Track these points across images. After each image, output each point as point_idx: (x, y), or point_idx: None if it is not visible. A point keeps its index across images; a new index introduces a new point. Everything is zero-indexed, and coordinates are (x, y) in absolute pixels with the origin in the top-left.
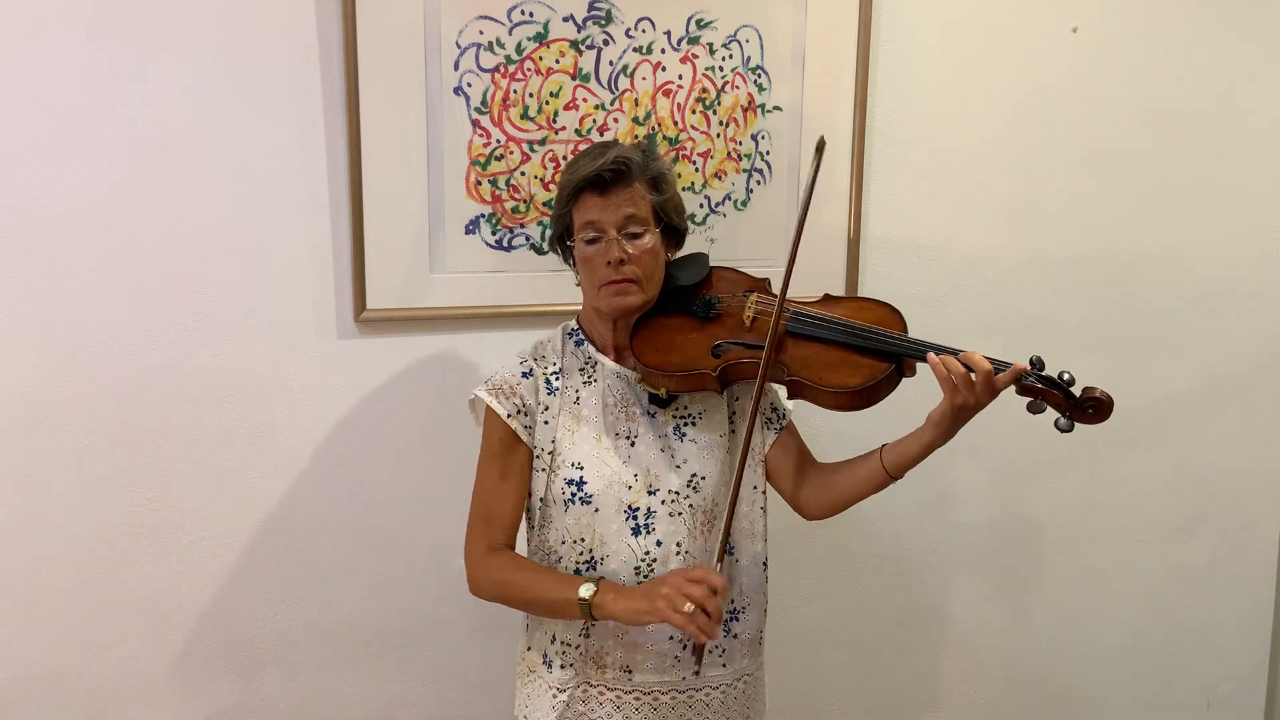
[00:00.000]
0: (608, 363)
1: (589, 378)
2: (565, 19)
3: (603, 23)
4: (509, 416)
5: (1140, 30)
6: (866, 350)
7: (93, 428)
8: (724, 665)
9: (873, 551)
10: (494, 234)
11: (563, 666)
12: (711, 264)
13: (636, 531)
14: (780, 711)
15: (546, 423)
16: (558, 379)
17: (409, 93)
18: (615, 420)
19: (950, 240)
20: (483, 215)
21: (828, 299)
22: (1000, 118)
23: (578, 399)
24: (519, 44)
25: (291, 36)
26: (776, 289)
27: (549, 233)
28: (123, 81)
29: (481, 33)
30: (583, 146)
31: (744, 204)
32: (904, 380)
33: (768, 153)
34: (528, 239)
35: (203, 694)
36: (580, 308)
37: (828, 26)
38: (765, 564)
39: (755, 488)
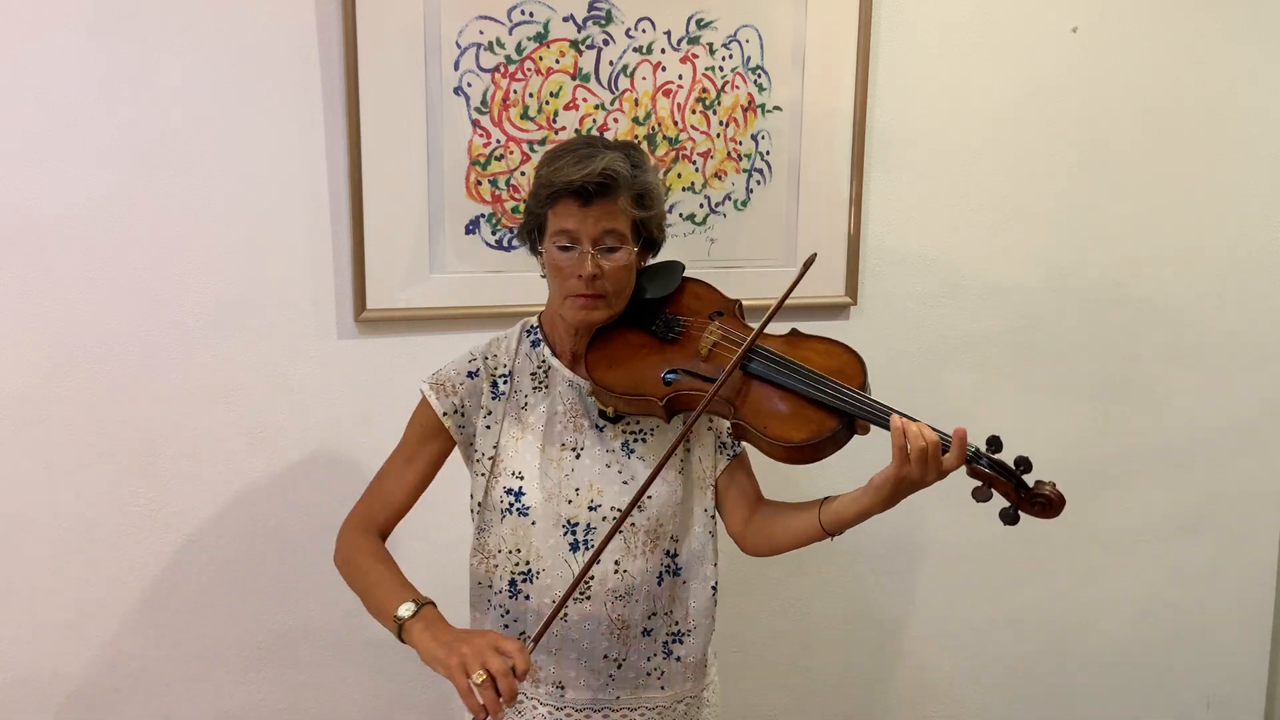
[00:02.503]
0: (562, 370)
1: (540, 383)
2: (565, 19)
3: (603, 23)
4: (444, 415)
5: (1140, 30)
6: (819, 404)
7: (93, 428)
8: (662, 688)
9: (871, 551)
10: (494, 234)
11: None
12: (686, 275)
13: (575, 547)
14: (778, 712)
15: (489, 427)
16: (505, 382)
17: (409, 93)
18: (562, 430)
19: (950, 240)
20: (483, 215)
21: (795, 335)
22: (1000, 118)
23: (526, 405)
24: (519, 44)
25: (291, 36)
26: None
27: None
28: (123, 81)
29: (481, 33)
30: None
31: (744, 204)
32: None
33: (768, 153)
34: None
35: (202, 694)
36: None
37: (828, 26)
38: (715, 587)
39: (705, 510)
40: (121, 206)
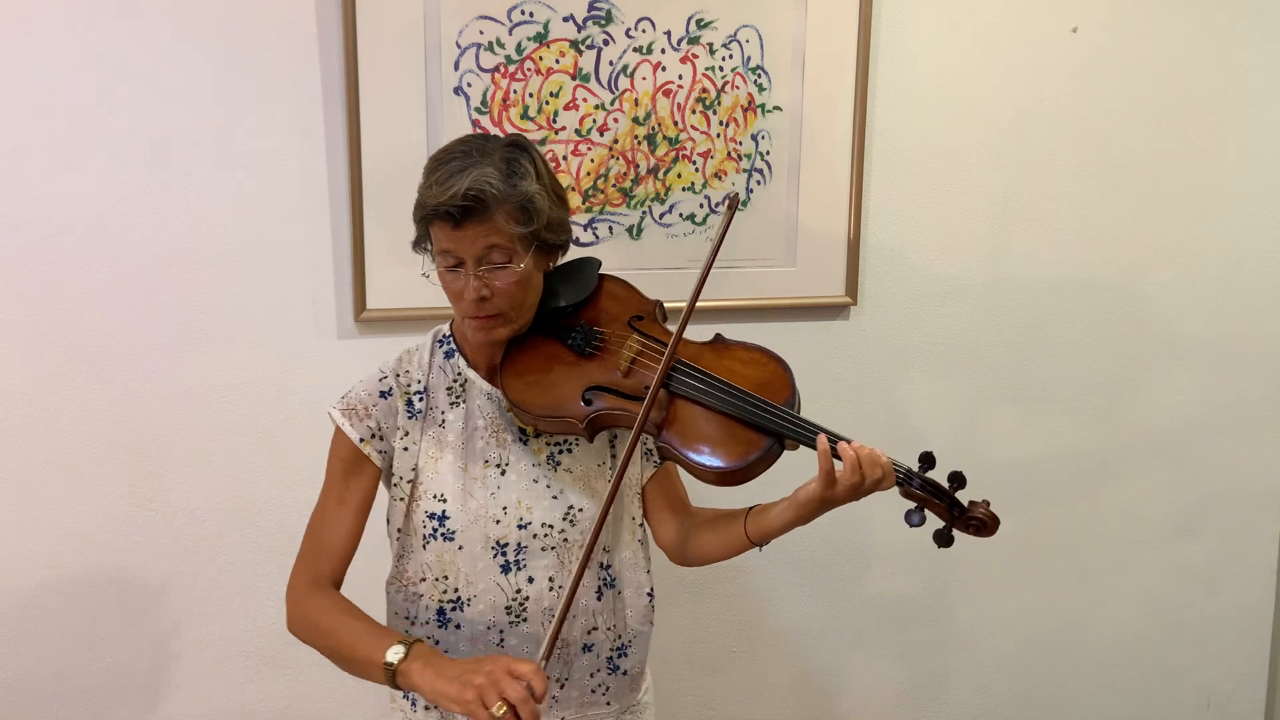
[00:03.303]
0: (479, 381)
1: (457, 397)
2: (565, 19)
3: (603, 23)
4: (361, 441)
5: (1140, 30)
6: (747, 424)
7: (93, 428)
8: (608, 704)
9: (871, 551)
10: None
11: (426, 708)
12: (602, 273)
13: (506, 569)
14: (779, 714)
15: (406, 449)
16: (421, 399)
17: (409, 93)
18: (485, 446)
19: (950, 241)
20: None
21: (718, 341)
22: (1000, 118)
23: (443, 422)
24: (519, 44)
25: (291, 36)
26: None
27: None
28: (123, 82)
29: (481, 33)
30: (581, 149)
31: (744, 204)
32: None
33: (768, 153)
34: None
35: (203, 694)
36: None
37: (828, 26)
38: (651, 593)
39: (634, 519)
40: (121, 206)
